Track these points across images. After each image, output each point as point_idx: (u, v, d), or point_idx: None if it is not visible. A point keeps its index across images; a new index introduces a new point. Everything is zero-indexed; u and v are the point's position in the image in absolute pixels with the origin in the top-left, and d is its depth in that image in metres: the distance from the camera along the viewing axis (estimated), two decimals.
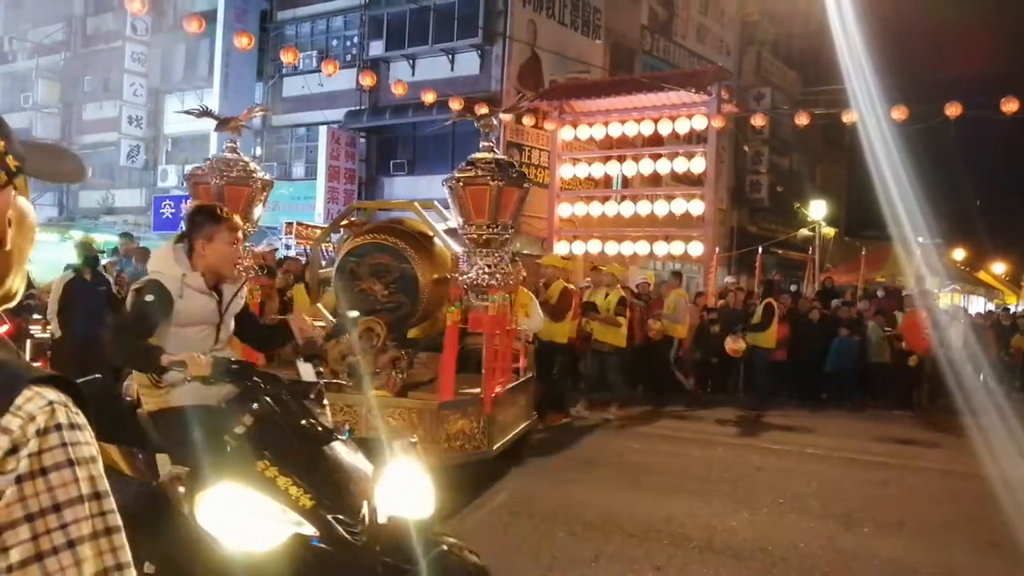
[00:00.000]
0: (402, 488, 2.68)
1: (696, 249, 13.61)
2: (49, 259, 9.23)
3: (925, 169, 17.11)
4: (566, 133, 14.84)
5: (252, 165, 6.30)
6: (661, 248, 13.98)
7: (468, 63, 17.83)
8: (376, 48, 18.70)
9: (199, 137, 19.57)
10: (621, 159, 14.55)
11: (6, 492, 0.75)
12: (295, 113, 20.20)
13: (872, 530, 5.17)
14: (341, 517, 2.46)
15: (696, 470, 6.70)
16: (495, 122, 6.32)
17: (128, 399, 3.13)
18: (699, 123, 13.66)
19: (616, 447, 7.56)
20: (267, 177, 6.43)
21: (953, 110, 12.15)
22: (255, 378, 2.73)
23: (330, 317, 5.74)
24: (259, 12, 20.55)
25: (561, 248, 14.32)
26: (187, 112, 6.43)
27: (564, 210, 14.85)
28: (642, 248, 14.12)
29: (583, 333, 9.05)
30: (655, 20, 21.56)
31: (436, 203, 6.69)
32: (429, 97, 14.20)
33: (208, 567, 2.41)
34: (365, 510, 2.55)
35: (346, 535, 2.44)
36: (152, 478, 2.81)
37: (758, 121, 17.04)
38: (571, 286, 8.89)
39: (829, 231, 21.78)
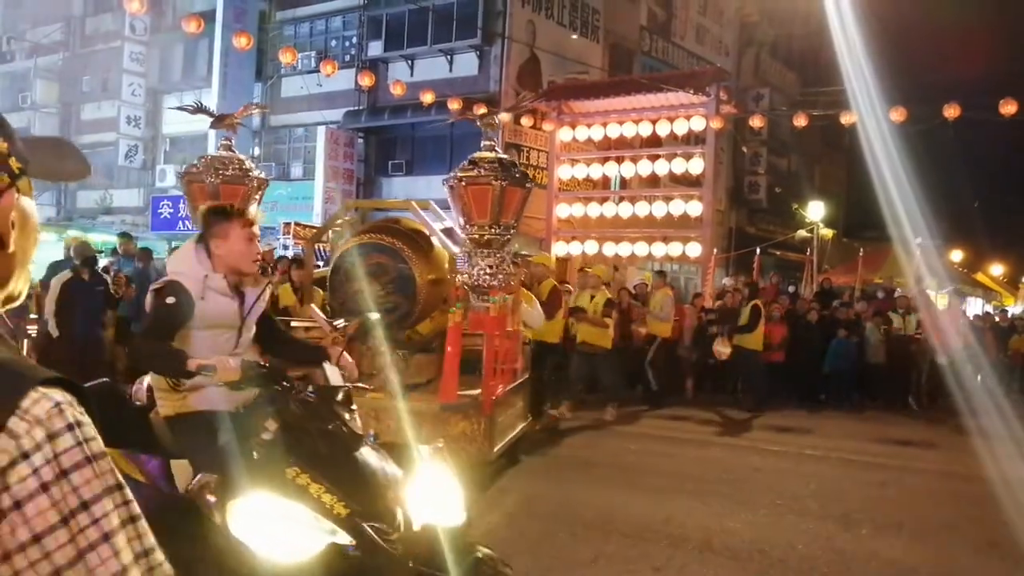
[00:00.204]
0: (433, 494, 2.62)
1: (694, 250, 13.59)
2: (48, 259, 9.24)
3: (923, 171, 17.14)
4: (564, 134, 14.82)
5: (247, 163, 6.28)
6: (659, 249, 13.96)
7: (467, 64, 17.81)
8: (375, 48, 18.69)
9: (197, 137, 19.52)
10: (619, 160, 14.53)
11: (37, 500, 0.76)
12: (293, 113, 20.16)
13: (871, 531, 5.16)
14: (377, 525, 2.39)
15: (694, 471, 6.69)
16: (497, 121, 6.30)
17: (138, 402, 3.01)
18: (697, 124, 13.64)
19: (614, 448, 7.54)
20: (262, 175, 6.41)
21: (952, 112, 12.15)
22: (285, 382, 2.64)
23: (324, 318, 5.70)
24: (258, 12, 20.51)
25: (559, 249, 14.31)
26: (182, 108, 6.42)
27: (562, 211, 14.82)
28: (640, 249, 14.09)
29: (567, 334, 8.94)
30: (654, 21, 21.57)
31: (432, 203, 6.66)
32: (428, 98, 14.20)
33: None
34: (400, 518, 2.48)
35: (383, 544, 2.37)
36: (167, 485, 2.71)
37: (757, 122, 17.02)
38: (560, 285, 8.81)
39: (827, 232, 21.78)
